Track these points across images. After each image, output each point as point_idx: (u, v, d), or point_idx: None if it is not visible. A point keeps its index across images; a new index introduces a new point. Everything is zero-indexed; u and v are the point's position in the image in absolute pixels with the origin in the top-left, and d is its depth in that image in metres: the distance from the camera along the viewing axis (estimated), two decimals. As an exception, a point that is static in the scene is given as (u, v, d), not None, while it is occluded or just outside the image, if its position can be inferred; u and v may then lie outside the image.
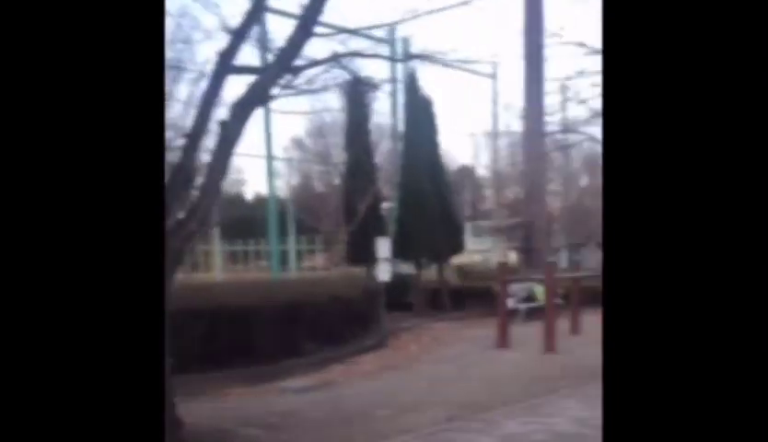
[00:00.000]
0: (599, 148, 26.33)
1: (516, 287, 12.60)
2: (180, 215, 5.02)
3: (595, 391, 6.32)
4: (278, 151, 16.50)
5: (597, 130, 19.73)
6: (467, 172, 23.33)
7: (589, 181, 27.62)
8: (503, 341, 9.51)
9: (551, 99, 18.51)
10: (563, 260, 23.10)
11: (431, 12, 6.44)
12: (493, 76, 23.72)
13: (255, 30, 6.08)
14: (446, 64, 10.45)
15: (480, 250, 27.60)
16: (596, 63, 14.53)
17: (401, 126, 15.00)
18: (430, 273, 14.88)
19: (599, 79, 12.81)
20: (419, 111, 14.23)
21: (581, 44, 12.45)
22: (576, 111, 20.35)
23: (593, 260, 23.41)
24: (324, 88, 6.92)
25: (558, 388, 6.59)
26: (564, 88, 17.73)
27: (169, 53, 7.87)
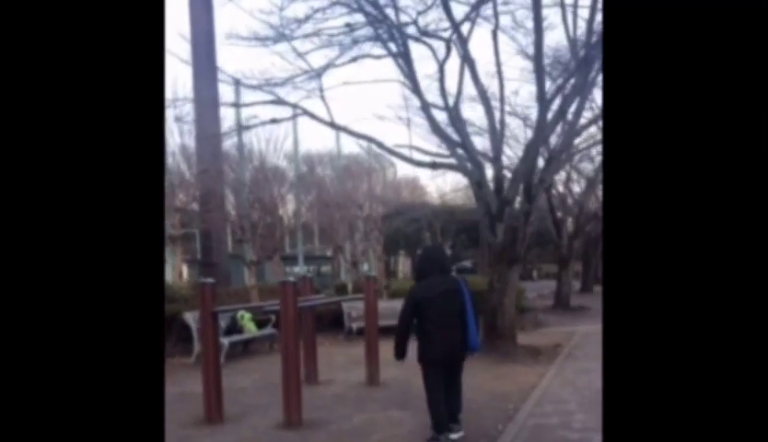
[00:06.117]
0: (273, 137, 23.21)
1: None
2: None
3: None
4: None
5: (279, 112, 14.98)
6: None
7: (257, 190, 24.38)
8: (215, 409, 5.91)
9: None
10: (246, 275, 20.17)
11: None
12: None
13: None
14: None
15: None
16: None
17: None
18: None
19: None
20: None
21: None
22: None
23: (278, 276, 20.92)
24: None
25: None
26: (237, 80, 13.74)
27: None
